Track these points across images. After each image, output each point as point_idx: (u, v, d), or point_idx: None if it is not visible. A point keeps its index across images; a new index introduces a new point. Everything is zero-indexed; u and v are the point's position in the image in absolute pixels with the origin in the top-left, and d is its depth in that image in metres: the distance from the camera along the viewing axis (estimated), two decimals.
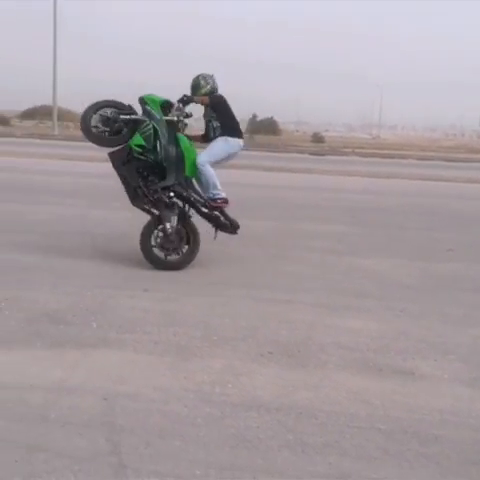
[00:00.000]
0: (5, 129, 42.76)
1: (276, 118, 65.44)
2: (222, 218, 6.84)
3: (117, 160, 6.50)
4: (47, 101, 52.85)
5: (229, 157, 7.02)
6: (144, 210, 6.72)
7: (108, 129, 6.44)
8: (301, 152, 32.68)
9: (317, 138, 50.90)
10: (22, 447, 2.90)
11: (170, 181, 6.50)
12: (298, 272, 6.67)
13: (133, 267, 6.45)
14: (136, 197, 6.55)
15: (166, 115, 6.50)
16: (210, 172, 6.67)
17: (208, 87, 6.94)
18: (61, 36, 43.64)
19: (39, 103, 68.51)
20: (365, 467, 2.88)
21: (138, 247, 6.50)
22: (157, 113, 6.47)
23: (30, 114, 67.73)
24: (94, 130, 6.45)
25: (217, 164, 6.91)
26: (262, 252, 7.64)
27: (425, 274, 6.91)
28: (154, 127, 6.40)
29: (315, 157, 29.72)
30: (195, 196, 6.70)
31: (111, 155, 6.55)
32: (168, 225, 6.44)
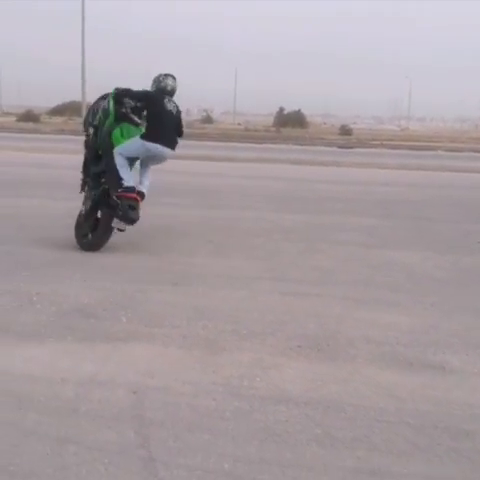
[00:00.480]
0: (35, 126, 43.26)
1: (303, 111, 65.13)
2: (119, 206, 6.62)
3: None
4: (76, 97, 53.32)
5: (152, 159, 6.98)
6: None
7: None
8: (329, 145, 32.48)
9: (345, 131, 50.46)
10: (53, 440, 2.94)
11: (100, 168, 6.90)
12: (327, 265, 6.64)
13: (162, 262, 6.49)
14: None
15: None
16: (120, 161, 6.67)
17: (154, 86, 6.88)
18: (89, 33, 43.88)
19: (68, 99, 69.28)
20: (395, 462, 2.87)
21: (166, 242, 6.56)
22: (108, 103, 6.74)
23: (59, 110, 68.50)
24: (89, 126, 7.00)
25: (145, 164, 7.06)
26: (291, 245, 7.61)
27: (455, 267, 6.82)
28: (100, 117, 6.81)
29: (343, 150, 29.51)
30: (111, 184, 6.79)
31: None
32: (82, 208, 7.01)
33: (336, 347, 4.27)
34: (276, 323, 4.70)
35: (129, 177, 6.68)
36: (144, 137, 6.64)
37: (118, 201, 6.60)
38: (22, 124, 45.07)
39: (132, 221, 6.70)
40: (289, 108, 63.52)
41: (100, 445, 2.90)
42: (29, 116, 54.22)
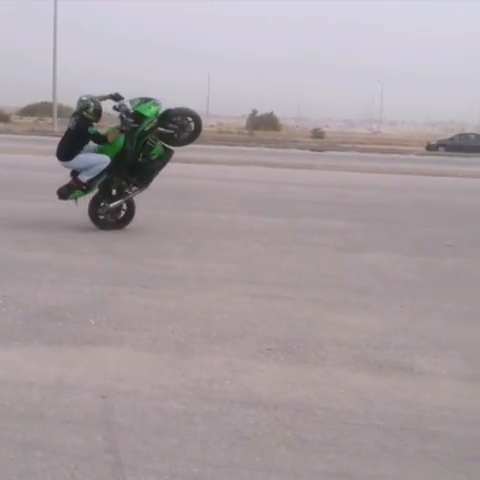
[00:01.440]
0: (5, 126, 42.71)
1: (276, 114, 65.45)
2: None
3: None
4: (47, 98, 52.80)
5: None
6: None
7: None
8: (301, 148, 32.66)
9: (317, 134, 50.90)
10: (19, 445, 2.88)
11: None
12: (299, 268, 6.65)
13: (133, 264, 6.44)
14: None
15: None
16: None
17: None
18: (62, 33, 43.48)
19: (39, 100, 68.57)
20: (363, 464, 2.87)
21: (137, 243, 6.51)
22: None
23: (30, 111, 67.76)
24: None
25: None
26: (263, 248, 7.62)
27: (425, 270, 6.89)
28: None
29: (315, 153, 29.68)
30: None
31: None
32: None
33: (306, 350, 4.27)
34: (247, 326, 4.69)
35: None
36: None
37: None
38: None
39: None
40: (262, 111, 63.69)
41: (67, 450, 2.85)
42: None
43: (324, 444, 3.02)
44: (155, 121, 7.95)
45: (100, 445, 2.92)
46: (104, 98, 8.09)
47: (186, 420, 3.19)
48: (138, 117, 7.84)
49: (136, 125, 7.80)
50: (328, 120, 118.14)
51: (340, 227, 9.41)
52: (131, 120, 7.76)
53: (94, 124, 8.02)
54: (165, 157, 8.21)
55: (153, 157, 8.07)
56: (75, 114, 8.15)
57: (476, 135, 44.15)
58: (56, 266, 6.19)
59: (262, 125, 57.70)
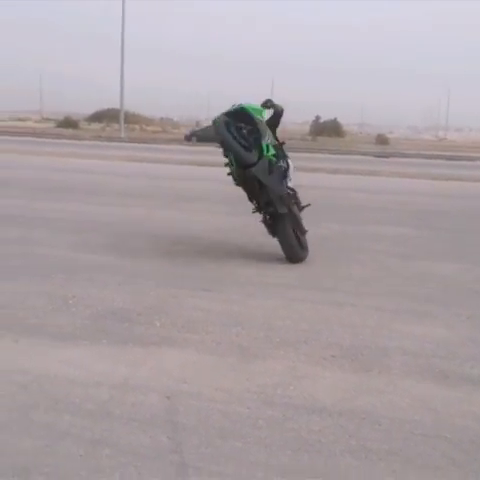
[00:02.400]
0: (74, 132, 43.97)
1: (339, 120, 64.99)
2: None
3: (262, 172, 6.68)
4: (114, 105, 54.14)
5: None
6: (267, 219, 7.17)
7: (247, 144, 6.63)
8: (365, 154, 32.27)
9: (381, 140, 50.22)
10: (87, 441, 2.95)
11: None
12: (362, 275, 6.58)
13: (195, 267, 6.51)
14: (277, 203, 6.84)
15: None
16: None
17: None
18: (129, 48, 44.68)
19: (106, 107, 70.43)
20: (430, 476, 2.80)
21: (199, 247, 6.56)
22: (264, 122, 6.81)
23: (97, 117, 69.55)
24: (234, 140, 6.59)
25: None
26: (326, 254, 7.56)
27: None
28: (272, 136, 6.83)
29: (379, 159, 29.29)
30: None
31: (254, 171, 6.65)
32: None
33: (371, 358, 4.22)
34: (310, 332, 4.67)
35: None
36: None
37: None
38: (62, 130, 45.87)
39: None
40: (325, 117, 63.39)
41: (133, 449, 2.91)
42: (68, 122, 55.17)
43: (390, 454, 2.97)
44: None
45: (165, 445, 2.96)
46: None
47: (250, 424, 3.20)
48: None
49: None
50: (392, 126, 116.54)
51: (404, 234, 9.25)
52: None
53: None
54: None
55: None
56: None
57: None
58: (121, 268, 6.32)
59: (325, 131, 57.44)
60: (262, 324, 4.78)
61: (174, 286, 5.73)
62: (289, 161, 7.17)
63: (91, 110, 76.69)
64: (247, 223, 8.63)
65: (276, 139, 7.12)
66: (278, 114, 7.16)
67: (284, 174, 6.97)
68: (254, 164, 6.63)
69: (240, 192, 7.34)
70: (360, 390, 3.68)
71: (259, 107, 6.91)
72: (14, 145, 27.21)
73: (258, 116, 6.76)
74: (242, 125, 6.68)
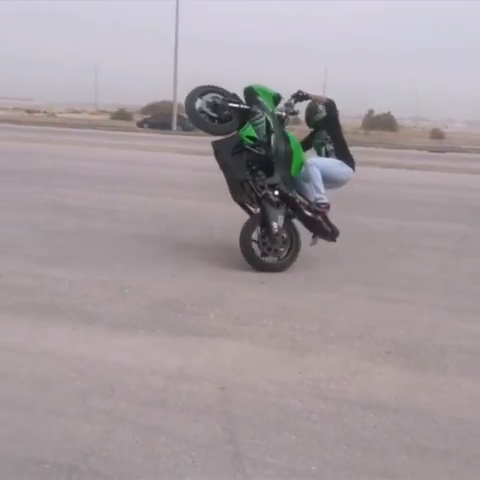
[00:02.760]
0: (128, 124, 44.60)
1: (393, 114, 63.96)
2: (324, 224, 6.44)
3: (224, 149, 6.24)
4: (168, 97, 54.52)
5: (336, 183, 6.64)
6: (243, 206, 6.62)
7: (216, 116, 6.19)
8: (419, 149, 31.69)
9: (436, 134, 49.20)
10: (143, 428, 3.00)
11: (277, 179, 6.22)
12: (417, 271, 6.47)
13: None
14: (240, 191, 6.31)
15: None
16: (317, 174, 6.30)
17: (324, 113, 6.58)
18: (182, 37, 44.73)
19: (159, 99, 71.17)
20: None
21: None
22: (269, 106, 6.26)
23: (151, 109, 70.33)
24: (201, 115, 6.16)
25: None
26: (380, 250, 7.47)
27: None
28: (267, 120, 6.17)
29: (434, 154, 28.71)
30: (300, 198, 6.41)
31: (216, 144, 6.31)
32: (275, 225, 6.10)
33: (427, 355, 4.15)
34: (364, 327, 4.62)
35: (324, 190, 6.38)
36: (349, 163, 6.52)
37: (320, 218, 6.37)
38: (116, 122, 46.60)
39: (338, 234, 6.57)
40: (379, 111, 62.52)
41: (188, 438, 2.94)
42: (122, 114, 56.01)
43: (447, 454, 2.92)
44: None
45: (220, 435, 2.98)
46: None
47: (304, 417, 3.20)
48: None
49: None
50: (448, 120, 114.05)
51: (460, 231, 9.06)
52: None
53: None
54: None
55: None
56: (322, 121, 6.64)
57: None
58: (176, 259, 6.38)
59: (379, 125, 56.63)
60: (316, 318, 4.76)
61: (229, 278, 5.75)
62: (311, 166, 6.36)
63: (145, 102, 77.71)
64: None
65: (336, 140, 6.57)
66: (330, 107, 6.53)
67: (253, 159, 6.21)
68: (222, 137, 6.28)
69: None
70: (416, 388, 3.62)
71: (274, 92, 6.37)
72: (71, 137, 27.76)
73: (262, 98, 6.25)
74: (217, 96, 6.23)
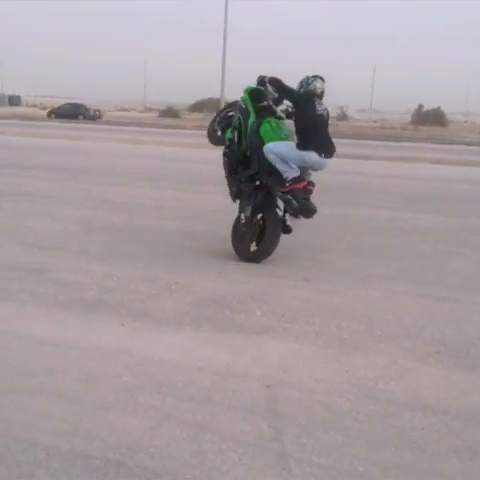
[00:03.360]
0: (175, 121, 44.97)
1: (443, 109, 62.73)
2: (293, 201, 6.08)
3: (222, 154, 6.67)
4: (215, 95, 54.76)
5: (298, 163, 6.16)
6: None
7: (219, 129, 6.81)
8: (470, 144, 31.00)
9: None
10: (190, 425, 3.02)
11: (253, 169, 6.31)
12: (467, 270, 6.34)
13: (295, 257, 6.49)
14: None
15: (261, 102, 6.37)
16: (273, 158, 6.12)
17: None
18: (231, 34, 44.60)
19: (207, 97, 71.50)
20: None
21: (299, 238, 6.53)
22: (244, 102, 6.39)
23: (198, 107, 70.80)
24: (213, 134, 6.90)
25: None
26: (429, 247, 7.34)
27: None
28: (238, 117, 6.39)
29: None
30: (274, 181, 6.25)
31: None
32: (242, 216, 6.32)
33: (477, 355, 4.06)
34: (412, 326, 4.55)
35: (289, 168, 6.12)
36: (299, 146, 6.09)
37: (289, 196, 6.09)
38: (164, 120, 47.06)
39: (312, 212, 6.17)
40: (428, 106, 61.45)
41: (235, 435, 2.95)
42: (170, 112, 56.56)
43: None
44: None
45: (266, 433, 2.98)
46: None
47: (351, 417, 3.17)
48: None
49: None
50: None
51: None
52: None
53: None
54: None
55: None
56: (315, 98, 6.17)
57: None
58: (222, 256, 6.39)
59: (428, 120, 55.63)
60: (363, 316, 4.71)
61: (274, 275, 5.74)
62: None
63: (192, 100, 78.12)
64: (346, 214, 8.55)
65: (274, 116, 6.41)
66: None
67: (232, 158, 6.52)
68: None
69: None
70: (466, 389, 3.55)
71: (248, 88, 6.42)
72: (120, 134, 28.14)
73: (241, 98, 6.47)
74: (228, 110, 6.87)
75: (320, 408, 3.25)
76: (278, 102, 6.45)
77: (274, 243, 6.28)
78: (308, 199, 6.10)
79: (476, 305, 5.14)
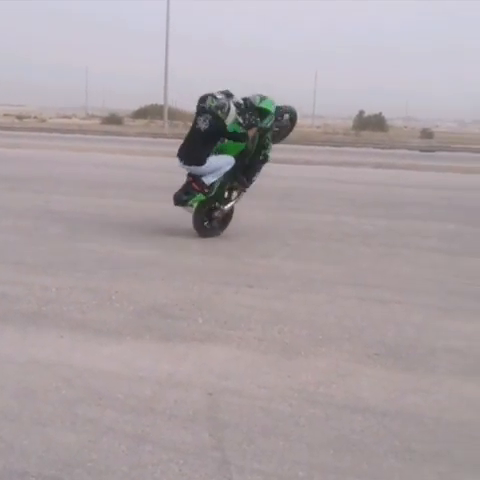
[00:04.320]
0: (118, 128, 44.57)
1: (384, 115, 64.15)
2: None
3: None
4: (158, 100, 54.53)
5: None
6: None
7: None
8: (410, 149, 31.75)
9: (426, 134, 49.30)
10: (130, 437, 2.97)
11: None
12: (408, 272, 6.46)
13: (239, 263, 6.50)
14: None
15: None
16: None
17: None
18: (172, 41, 44.58)
19: (150, 103, 71.09)
20: None
21: (242, 243, 6.54)
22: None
23: (142, 113, 70.28)
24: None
25: None
26: (370, 250, 7.46)
27: None
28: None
29: (425, 153, 28.77)
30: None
31: None
32: None
33: (416, 356, 4.14)
34: (354, 329, 4.61)
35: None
36: None
37: None
38: (107, 127, 46.53)
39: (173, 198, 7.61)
40: (370, 111, 62.70)
41: (175, 445, 2.91)
42: (113, 119, 55.97)
43: (435, 456, 2.91)
44: (274, 118, 7.80)
45: (207, 442, 2.96)
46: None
47: (292, 422, 3.18)
48: (262, 113, 7.69)
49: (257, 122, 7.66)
50: (438, 120, 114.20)
51: (450, 230, 9.07)
52: (254, 117, 7.63)
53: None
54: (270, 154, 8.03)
55: (268, 154, 7.91)
56: (204, 113, 7.42)
57: None
58: (164, 264, 6.35)
59: (369, 126, 56.74)
60: (305, 321, 4.74)
61: (217, 282, 5.73)
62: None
63: (136, 106, 77.44)
64: (290, 218, 8.62)
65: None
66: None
67: None
68: None
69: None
70: (405, 390, 3.61)
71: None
72: (60, 142, 27.68)
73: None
74: None
75: (262, 414, 3.25)
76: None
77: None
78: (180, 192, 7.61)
79: (416, 306, 5.25)
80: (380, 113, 63.40)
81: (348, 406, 3.38)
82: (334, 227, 8.98)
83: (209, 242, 7.54)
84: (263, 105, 7.73)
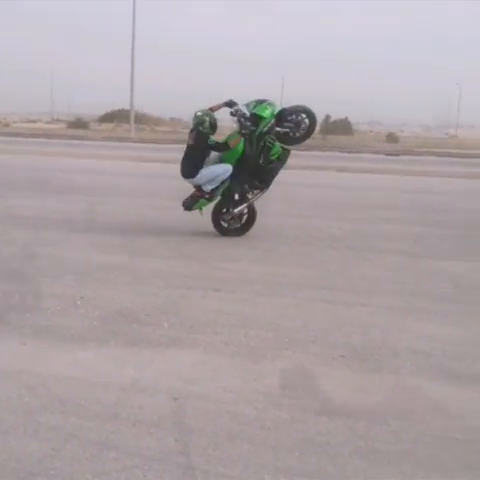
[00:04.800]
0: (84, 132, 44.17)
1: (350, 119, 64.81)
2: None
3: None
4: (124, 106, 54.27)
5: None
6: None
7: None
8: (375, 153, 32.11)
9: (392, 138, 49.95)
10: (93, 444, 2.94)
11: None
12: (373, 274, 6.52)
13: (205, 267, 6.49)
14: None
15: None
16: None
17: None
18: (138, 47, 44.47)
19: (116, 108, 70.69)
20: (440, 478, 2.76)
21: (210, 247, 6.53)
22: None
23: (108, 118, 69.81)
24: None
25: None
26: (336, 253, 7.52)
27: None
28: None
29: (390, 157, 29.12)
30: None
31: None
32: None
33: (381, 358, 4.18)
34: (319, 332, 4.63)
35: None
36: None
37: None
38: (73, 131, 46.09)
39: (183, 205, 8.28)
40: (335, 116, 63.26)
41: (140, 451, 2.89)
42: (79, 123, 55.48)
43: (399, 455, 2.94)
44: (272, 121, 8.09)
45: (172, 447, 2.94)
46: (219, 107, 8.22)
47: (257, 425, 3.18)
48: (256, 119, 7.99)
49: (254, 127, 7.96)
50: (403, 125, 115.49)
51: (415, 233, 9.17)
52: (249, 123, 7.91)
53: (211, 136, 8.10)
54: (283, 157, 8.41)
55: (273, 158, 8.22)
56: (193, 130, 8.18)
57: None
58: (130, 269, 6.31)
59: (336, 130, 57.20)
60: (271, 324, 4.75)
61: (184, 286, 5.71)
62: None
63: (102, 111, 76.78)
64: (258, 223, 8.61)
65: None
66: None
67: None
68: None
69: None
70: (369, 391, 3.64)
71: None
72: (26, 146, 27.31)
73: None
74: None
75: (227, 418, 3.24)
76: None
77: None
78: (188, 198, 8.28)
79: (381, 308, 5.29)
80: (346, 118, 64.02)
81: (313, 408, 3.39)
82: (301, 230, 9.02)
83: (176, 246, 7.51)
84: (256, 111, 8.05)
